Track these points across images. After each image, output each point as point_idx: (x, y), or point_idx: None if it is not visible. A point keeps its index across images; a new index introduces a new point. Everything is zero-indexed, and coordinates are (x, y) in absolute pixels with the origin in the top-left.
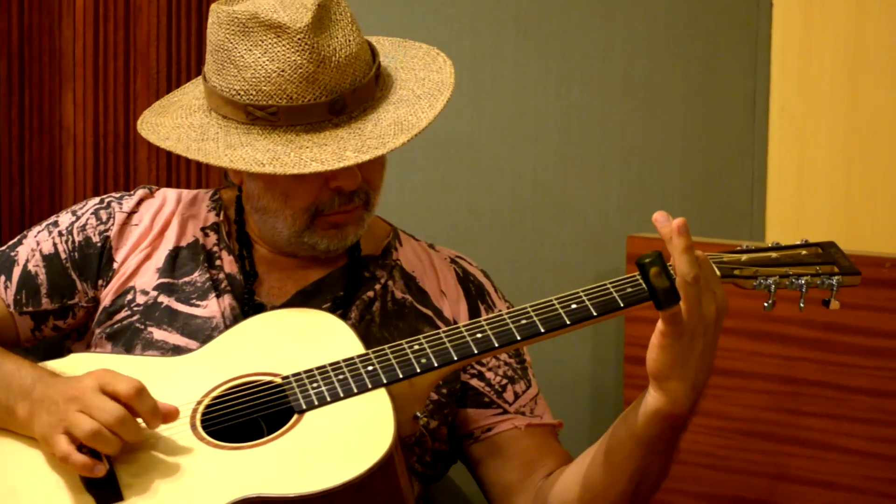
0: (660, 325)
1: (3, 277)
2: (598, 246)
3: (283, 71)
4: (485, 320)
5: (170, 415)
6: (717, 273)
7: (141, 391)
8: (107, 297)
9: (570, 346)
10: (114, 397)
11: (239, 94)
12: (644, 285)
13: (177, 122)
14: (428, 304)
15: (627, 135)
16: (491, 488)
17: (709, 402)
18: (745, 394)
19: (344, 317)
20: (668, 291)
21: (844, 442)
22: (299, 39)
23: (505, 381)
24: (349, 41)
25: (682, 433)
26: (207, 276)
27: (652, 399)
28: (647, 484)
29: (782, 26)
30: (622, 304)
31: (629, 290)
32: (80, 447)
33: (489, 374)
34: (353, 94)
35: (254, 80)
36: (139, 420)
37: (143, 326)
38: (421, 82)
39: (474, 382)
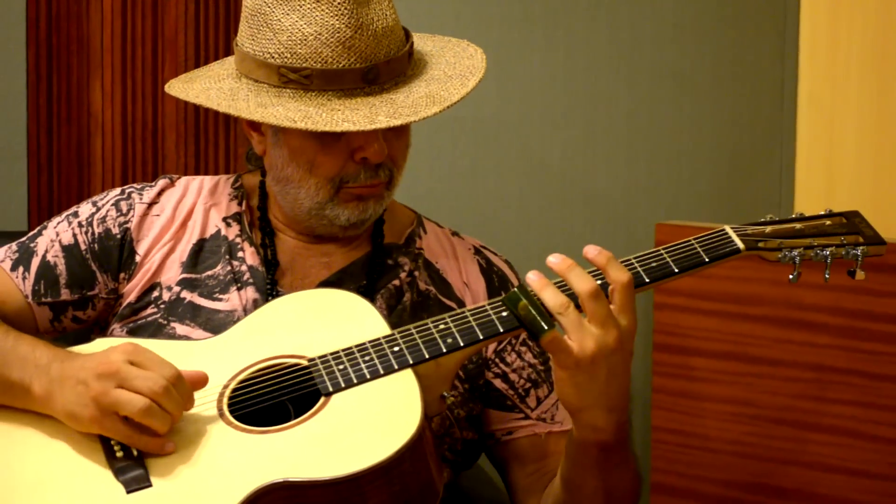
0: (552, 357)
1: (21, 268)
2: (627, 234)
3: (319, 34)
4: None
5: (200, 381)
6: (623, 284)
7: (179, 377)
8: (132, 292)
9: None
10: None
11: (273, 57)
12: (518, 321)
13: (206, 86)
14: (451, 295)
15: (655, 122)
16: (510, 489)
17: (736, 390)
18: (772, 381)
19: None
20: (531, 322)
21: (872, 430)
22: (339, 4)
23: (528, 385)
24: (387, 14)
25: (622, 448)
26: (229, 268)
27: (575, 430)
28: (615, 497)
29: (810, 14)
30: (647, 280)
31: (654, 264)
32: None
33: (513, 376)
34: (386, 65)
35: (289, 42)
36: None
37: (165, 322)
38: (452, 66)
39: (498, 383)
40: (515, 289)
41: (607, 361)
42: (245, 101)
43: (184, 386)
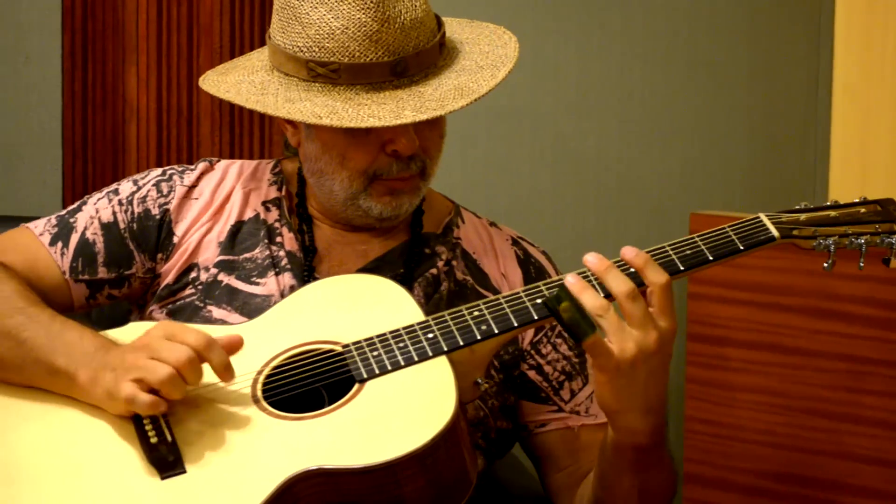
0: (592, 360)
1: (60, 244)
2: (661, 223)
3: (346, 28)
4: (544, 284)
5: (235, 345)
6: (660, 286)
7: (211, 342)
8: (169, 273)
9: None
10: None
11: (302, 51)
12: (560, 324)
13: (238, 79)
14: (488, 285)
15: (690, 112)
16: (544, 481)
17: (770, 380)
18: (806, 372)
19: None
20: (575, 325)
21: None
22: None
23: (562, 378)
24: (415, 5)
25: (658, 449)
26: (267, 252)
27: (610, 433)
28: (651, 493)
29: (845, 4)
30: (682, 267)
31: (688, 252)
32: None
33: (547, 368)
34: (415, 57)
35: (317, 36)
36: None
37: (202, 304)
38: (485, 55)
39: (532, 375)
40: (557, 290)
41: (647, 364)
42: (274, 95)
43: (218, 352)
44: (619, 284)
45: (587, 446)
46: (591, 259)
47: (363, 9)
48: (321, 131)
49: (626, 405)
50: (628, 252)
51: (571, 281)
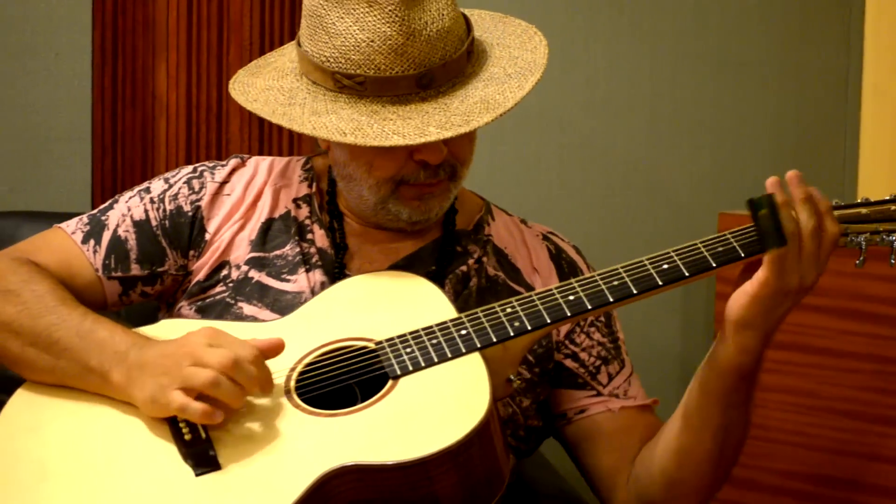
0: (761, 274)
1: (92, 241)
2: (690, 222)
3: (372, 41)
4: (576, 282)
5: (276, 348)
6: (832, 236)
7: (258, 357)
8: (201, 270)
9: (659, 321)
10: None
11: (328, 62)
12: (754, 225)
13: (268, 83)
14: (520, 281)
15: (719, 112)
16: (589, 471)
17: (799, 381)
18: (835, 372)
19: None
20: (776, 232)
21: None
22: (390, 11)
23: (599, 363)
24: (442, 15)
25: (755, 384)
26: (298, 249)
27: (723, 350)
28: (730, 441)
29: (875, 4)
30: (714, 264)
31: (720, 249)
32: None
33: (583, 355)
34: (442, 68)
35: (343, 48)
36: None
37: (233, 301)
38: (514, 61)
39: (568, 363)
40: (766, 196)
41: (796, 298)
42: (301, 106)
43: (263, 367)
44: (810, 217)
45: (629, 428)
46: (794, 179)
47: (389, 22)
48: None
49: (758, 323)
50: (815, 192)
51: (797, 190)
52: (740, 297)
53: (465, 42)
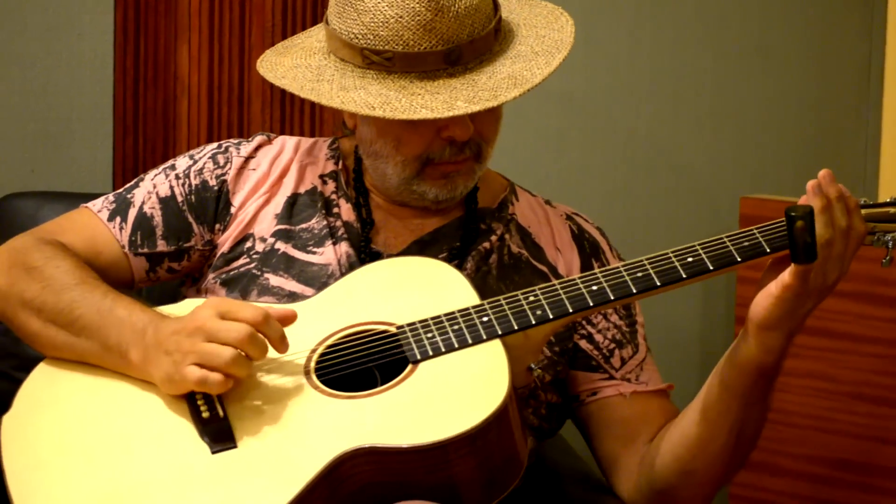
0: (786, 277)
1: (118, 219)
2: (712, 206)
3: (400, 17)
4: (600, 272)
5: (289, 318)
6: (859, 235)
7: (266, 315)
8: (225, 243)
9: (680, 307)
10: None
11: (357, 38)
12: (787, 236)
13: (295, 62)
14: (543, 259)
15: (741, 96)
16: (598, 453)
17: (818, 364)
18: (854, 357)
19: (460, 268)
20: (809, 247)
21: None
22: None
23: (613, 346)
24: None
25: (775, 381)
26: (325, 223)
27: (746, 348)
28: (746, 436)
29: None
30: (739, 259)
31: (746, 244)
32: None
33: (598, 337)
34: (469, 45)
35: (372, 24)
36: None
37: (259, 273)
38: (541, 39)
39: (583, 344)
40: (804, 210)
41: (819, 297)
42: (329, 82)
43: (274, 325)
44: (842, 216)
45: (639, 413)
46: (827, 178)
47: None
48: (376, 117)
49: (782, 324)
50: (844, 189)
51: (814, 199)
52: (764, 299)
53: (492, 20)
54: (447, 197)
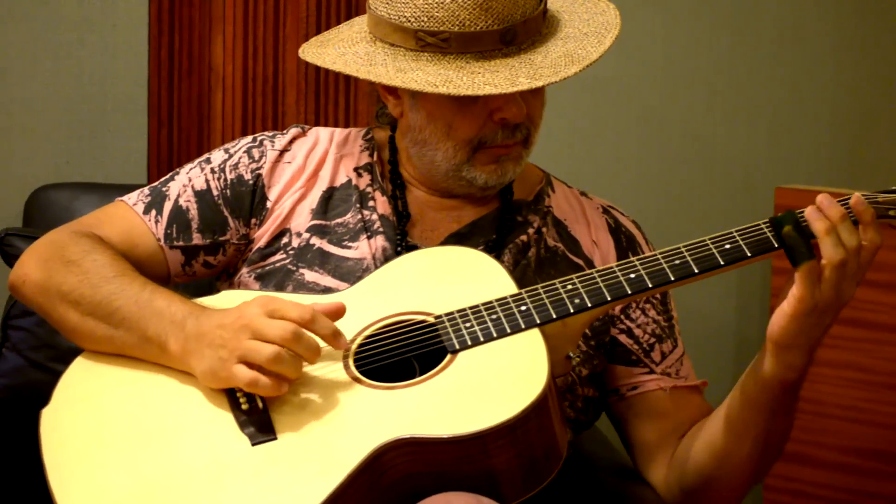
0: (794, 290)
1: (154, 212)
2: (747, 196)
3: None
4: (638, 260)
5: (338, 312)
6: (874, 247)
7: (314, 314)
8: (262, 237)
9: (715, 298)
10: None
11: (409, 21)
12: (777, 242)
13: (340, 51)
14: (579, 252)
15: (776, 85)
16: (632, 445)
17: (852, 355)
18: (889, 347)
19: (497, 260)
20: (798, 249)
21: None
22: None
23: (653, 340)
24: None
25: (798, 394)
26: (359, 217)
27: (768, 366)
28: (771, 446)
29: None
30: (776, 245)
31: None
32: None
33: (638, 332)
34: (523, 25)
35: (426, 6)
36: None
37: (294, 268)
38: (586, 23)
39: (623, 339)
40: (786, 213)
41: (835, 313)
42: (383, 66)
43: (323, 322)
44: (851, 236)
45: (677, 408)
46: (825, 202)
47: None
48: (427, 101)
49: (800, 342)
50: (860, 202)
51: (820, 226)
52: (779, 318)
53: (541, 2)
54: (496, 182)
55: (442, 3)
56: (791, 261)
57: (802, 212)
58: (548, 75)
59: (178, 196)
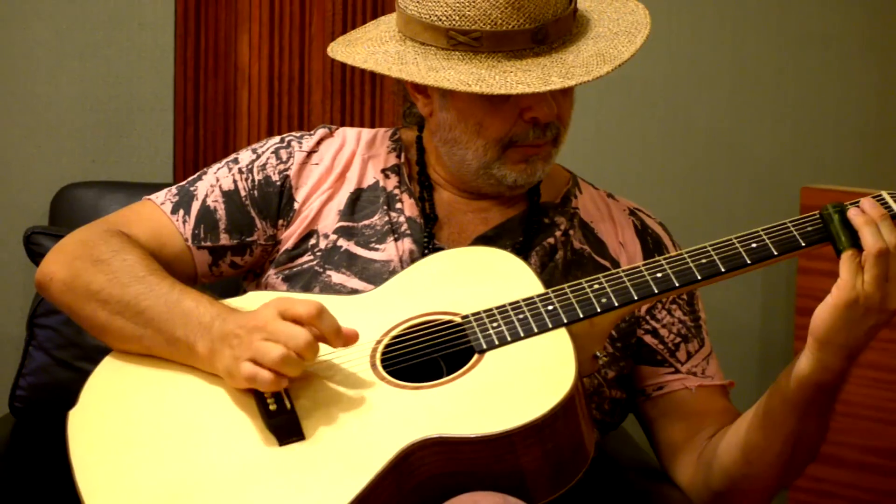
0: (840, 280)
1: (181, 212)
2: (772, 196)
3: None
4: (664, 259)
5: (350, 337)
6: None
7: (321, 311)
8: (289, 239)
9: (740, 297)
10: (296, 322)
11: (441, 20)
12: (824, 230)
13: (370, 49)
14: (605, 254)
15: (802, 86)
16: (659, 445)
17: (879, 356)
18: None
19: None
20: (841, 237)
21: None
22: None
23: (679, 340)
24: None
25: (837, 396)
26: (387, 219)
27: (805, 364)
28: (803, 447)
29: None
30: (803, 244)
31: (809, 228)
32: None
33: (663, 332)
34: (554, 24)
35: (458, 5)
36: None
37: (321, 270)
38: (615, 22)
39: (648, 339)
40: (834, 204)
41: (878, 316)
42: (415, 64)
43: (328, 319)
44: (892, 236)
45: (703, 407)
46: (867, 203)
47: None
48: (457, 100)
49: (840, 340)
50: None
51: (858, 218)
52: (822, 310)
53: (571, 1)
54: (525, 182)
55: (474, 1)
56: (835, 249)
57: (849, 206)
58: (580, 74)
59: (206, 196)
